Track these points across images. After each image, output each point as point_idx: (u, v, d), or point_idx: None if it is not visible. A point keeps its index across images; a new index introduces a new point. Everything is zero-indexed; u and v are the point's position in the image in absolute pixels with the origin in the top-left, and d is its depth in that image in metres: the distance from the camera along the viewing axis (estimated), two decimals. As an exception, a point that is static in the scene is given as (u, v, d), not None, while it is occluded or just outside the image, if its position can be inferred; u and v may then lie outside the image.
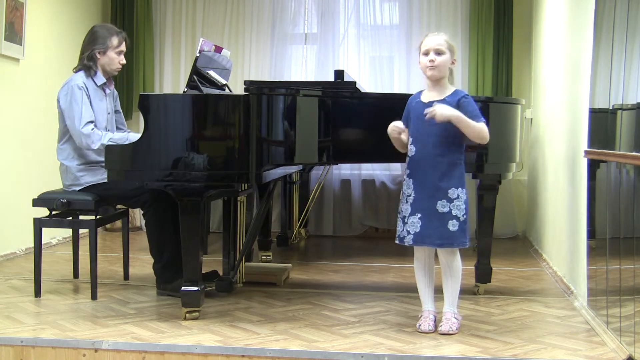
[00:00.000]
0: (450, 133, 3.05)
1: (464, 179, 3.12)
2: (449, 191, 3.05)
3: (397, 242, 3.17)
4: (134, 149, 3.24)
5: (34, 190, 3.89)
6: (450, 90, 3.12)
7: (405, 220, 3.11)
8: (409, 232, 3.09)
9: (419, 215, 3.06)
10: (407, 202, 3.12)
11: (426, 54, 3.08)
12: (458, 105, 3.05)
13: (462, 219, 3.06)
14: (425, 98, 3.13)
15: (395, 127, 3.13)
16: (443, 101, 3.07)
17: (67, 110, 3.75)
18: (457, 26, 6.01)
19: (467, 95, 3.11)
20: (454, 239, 3.06)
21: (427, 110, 3.01)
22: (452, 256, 3.13)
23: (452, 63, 3.11)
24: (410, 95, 3.25)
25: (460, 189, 3.07)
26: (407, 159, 3.15)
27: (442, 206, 3.05)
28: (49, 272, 4.24)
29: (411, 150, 3.12)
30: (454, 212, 3.05)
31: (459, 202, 3.06)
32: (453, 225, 3.05)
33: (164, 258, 3.75)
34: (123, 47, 3.93)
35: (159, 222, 3.75)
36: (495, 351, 2.87)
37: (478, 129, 3.02)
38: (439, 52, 3.06)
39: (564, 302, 3.73)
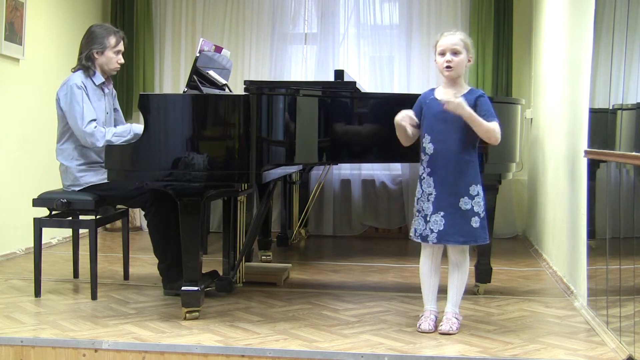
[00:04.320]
0: (470, 132, 3.07)
1: (479, 176, 3.13)
2: (470, 188, 3.07)
3: (417, 239, 3.14)
4: (134, 149, 3.25)
5: (34, 190, 3.89)
6: (465, 88, 3.14)
7: (428, 218, 3.09)
8: (432, 231, 3.08)
9: (442, 213, 3.06)
10: (428, 200, 3.10)
11: (442, 54, 3.08)
12: (475, 104, 3.07)
13: (482, 215, 3.09)
14: (441, 96, 3.12)
15: (406, 116, 3.07)
16: None
17: (68, 111, 3.75)
18: (457, 26, 5.98)
19: (484, 94, 3.13)
20: (476, 236, 3.08)
21: (445, 100, 2.99)
22: (462, 256, 3.14)
23: (469, 61, 3.12)
24: (409, 95, 3.25)
25: (479, 185, 3.10)
26: (426, 157, 3.12)
27: (464, 203, 3.06)
28: (49, 272, 4.24)
29: (429, 148, 3.10)
30: (475, 209, 3.07)
31: (479, 198, 3.08)
32: (475, 222, 3.07)
33: (168, 258, 3.75)
34: (121, 47, 3.93)
35: (161, 222, 3.75)
36: (495, 351, 2.87)
37: (489, 129, 3.03)
38: (455, 52, 3.06)
39: (564, 302, 3.73)
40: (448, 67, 3.06)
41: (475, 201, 3.07)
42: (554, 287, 4.10)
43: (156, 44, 6.34)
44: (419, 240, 3.14)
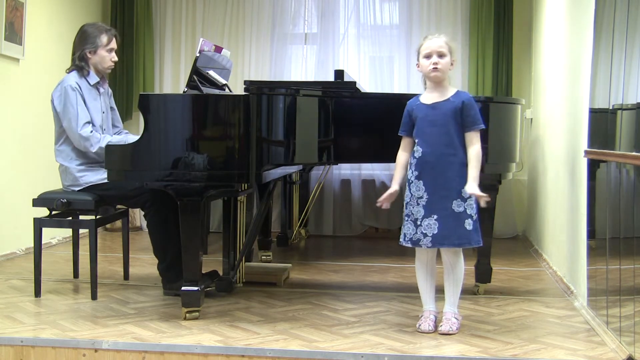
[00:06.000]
0: (458, 134, 3.07)
1: None
2: (462, 190, 3.06)
3: (407, 244, 3.12)
4: (134, 149, 3.24)
5: (34, 190, 3.89)
6: (451, 91, 3.14)
7: (419, 222, 3.08)
8: (425, 235, 3.06)
9: (435, 216, 3.05)
10: (418, 204, 3.10)
11: (428, 56, 3.08)
12: (462, 107, 3.07)
13: (474, 217, 3.08)
14: (427, 100, 3.13)
15: (387, 198, 3.17)
16: (447, 102, 3.09)
17: (62, 113, 3.75)
18: (457, 26, 6.01)
19: (471, 98, 3.13)
20: (470, 238, 3.07)
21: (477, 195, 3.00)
22: (456, 257, 3.14)
23: (451, 64, 3.12)
24: (409, 95, 3.25)
25: None
26: (414, 161, 3.12)
27: (457, 206, 3.05)
28: (49, 272, 4.24)
29: (417, 151, 3.10)
30: (468, 211, 3.06)
31: (471, 200, 3.07)
32: (469, 225, 3.05)
33: (168, 258, 3.75)
34: (113, 45, 3.91)
35: (161, 222, 3.75)
36: (495, 351, 2.87)
37: (479, 167, 3.08)
38: (441, 55, 3.07)
39: (564, 302, 3.73)
40: (435, 68, 3.07)
41: (467, 203, 3.06)
42: (554, 287, 4.10)
43: (156, 44, 6.34)
44: (410, 245, 3.13)
